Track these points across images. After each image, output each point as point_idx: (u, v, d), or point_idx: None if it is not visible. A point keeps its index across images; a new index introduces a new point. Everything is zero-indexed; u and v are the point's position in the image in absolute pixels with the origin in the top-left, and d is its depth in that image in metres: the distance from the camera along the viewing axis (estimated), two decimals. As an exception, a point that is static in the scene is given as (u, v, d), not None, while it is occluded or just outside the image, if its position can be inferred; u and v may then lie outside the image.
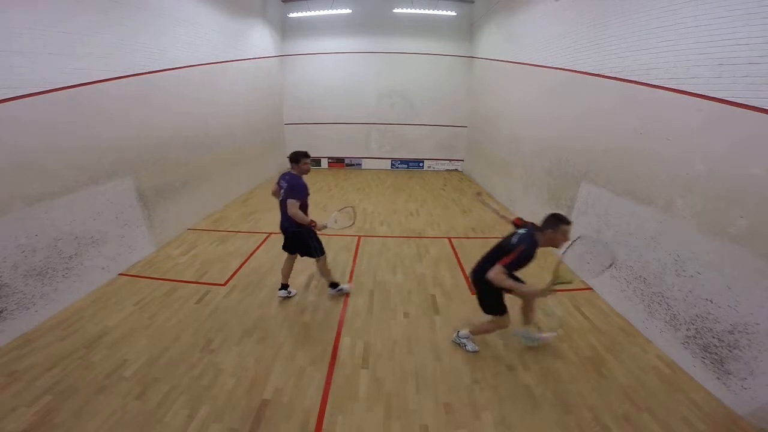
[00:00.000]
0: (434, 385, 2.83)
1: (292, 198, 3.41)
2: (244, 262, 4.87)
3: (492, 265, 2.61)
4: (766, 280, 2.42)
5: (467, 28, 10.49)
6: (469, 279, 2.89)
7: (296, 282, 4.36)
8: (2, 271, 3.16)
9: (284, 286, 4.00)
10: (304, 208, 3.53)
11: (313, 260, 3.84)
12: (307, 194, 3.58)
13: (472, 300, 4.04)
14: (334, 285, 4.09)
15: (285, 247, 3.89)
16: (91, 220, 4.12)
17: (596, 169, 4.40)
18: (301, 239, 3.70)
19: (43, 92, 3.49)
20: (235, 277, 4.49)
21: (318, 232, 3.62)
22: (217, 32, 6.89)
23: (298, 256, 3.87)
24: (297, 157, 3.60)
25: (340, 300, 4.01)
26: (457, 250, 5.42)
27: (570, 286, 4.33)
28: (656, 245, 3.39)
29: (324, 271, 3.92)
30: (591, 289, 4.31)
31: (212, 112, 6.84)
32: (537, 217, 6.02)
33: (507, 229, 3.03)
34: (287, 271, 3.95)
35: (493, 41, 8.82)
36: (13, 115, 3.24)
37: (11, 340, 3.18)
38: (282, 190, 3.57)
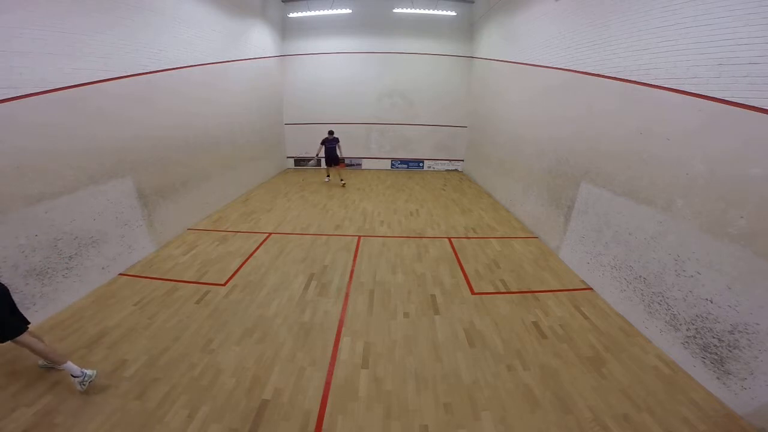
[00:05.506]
0: (434, 385, 2.83)
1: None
2: (244, 262, 4.87)
3: None
4: (766, 280, 2.42)
5: (467, 28, 10.49)
6: None
7: (296, 282, 4.38)
8: (2, 271, 3.16)
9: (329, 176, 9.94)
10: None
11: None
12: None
13: (473, 300, 4.06)
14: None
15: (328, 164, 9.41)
16: (91, 220, 4.12)
17: (596, 169, 4.40)
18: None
19: (43, 92, 3.49)
20: (235, 277, 4.49)
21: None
22: (217, 32, 6.89)
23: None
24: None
25: (340, 300, 4.01)
26: (457, 250, 5.42)
27: (570, 286, 4.38)
28: (656, 245, 3.39)
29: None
30: (591, 289, 4.32)
31: (212, 112, 6.84)
32: (537, 218, 6.06)
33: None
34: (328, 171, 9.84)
35: (493, 41, 8.83)
36: (13, 115, 3.23)
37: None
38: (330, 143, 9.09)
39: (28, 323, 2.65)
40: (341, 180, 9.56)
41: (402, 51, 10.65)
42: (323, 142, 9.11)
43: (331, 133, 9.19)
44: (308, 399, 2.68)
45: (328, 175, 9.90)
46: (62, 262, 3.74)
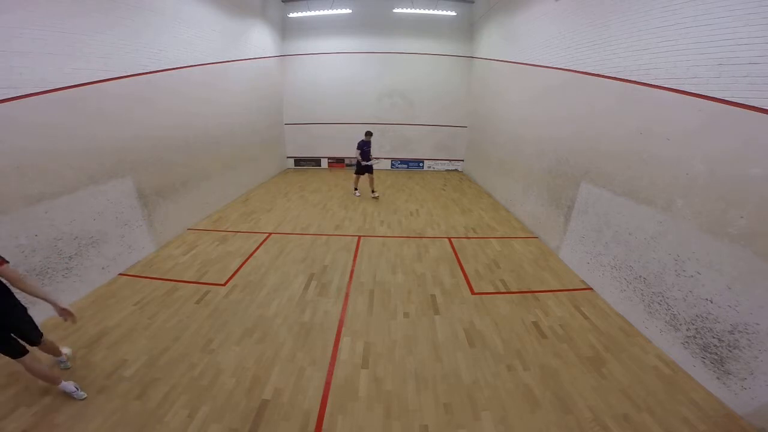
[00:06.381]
0: (434, 385, 2.83)
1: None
2: (244, 262, 4.87)
3: None
4: (766, 280, 2.42)
5: (467, 28, 10.49)
6: None
7: (296, 282, 4.38)
8: (2, 271, 3.15)
9: (356, 189, 8.40)
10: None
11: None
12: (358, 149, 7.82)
13: (472, 300, 4.06)
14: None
15: (362, 172, 8.10)
16: (91, 220, 4.12)
17: (596, 169, 4.40)
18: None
19: (43, 92, 3.49)
20: (235, 277, 4.49)
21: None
22: (217, 32, 6.89)
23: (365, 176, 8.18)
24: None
25: (340, 300, 4.01)
26: (457, 250, 5.42)
27: (570, 286, 4.38)
28: (656, 245, 3.39)
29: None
30: (591, 289, 4.32)
31: (212, 112, 6.84)
32: (537, 218, 6.06)
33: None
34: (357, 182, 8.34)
35: (493, 41, 8.82)
36: (13, 115, 3.23)
37: (11, 340, 3.18)
38: (368, 146, 7.80)
39: (39, 337, 2.55)
40: (362, 190, 8.31)
41: (402, 51, 10.65)
42: (361, 146, 7.75)
43: (369, 134, 7.85)
44: (308, 399, 2.68)
45: (373, 191, 8.22)
46: (62, 262, 3.74)
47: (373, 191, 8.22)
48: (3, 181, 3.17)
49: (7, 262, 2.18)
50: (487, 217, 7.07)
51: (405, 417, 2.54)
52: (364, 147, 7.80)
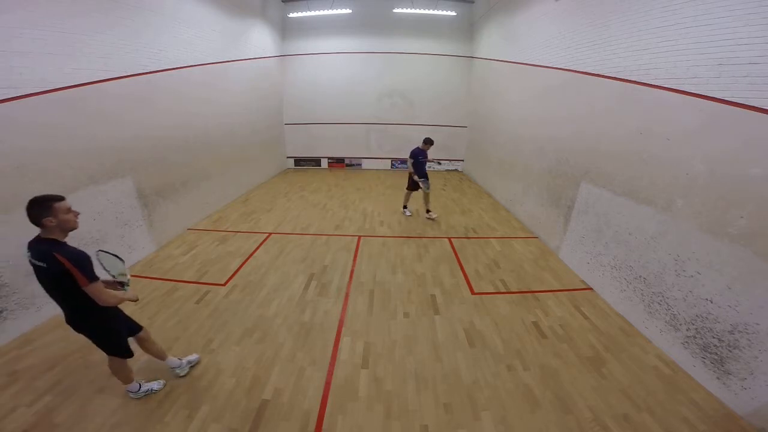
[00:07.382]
0: (434, 385, 2.83)
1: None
2: (244, 262, 4.87)
3: (73, 299, 2.10)
4: (766, 280, 2.42)
5: (467, 28, 10.49)
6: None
7: (296, 282, 4.38)
8: (2, 270, 3.15)
9: (406, 207, 7.16)
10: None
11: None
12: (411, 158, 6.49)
13: (472, 300, 4.06)
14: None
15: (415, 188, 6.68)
16: (91, 220, 4.12)
17: (596, 169, 4.40)
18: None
19: (43, 92, 3.49)
20: (235, 277, 4.49)
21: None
22: (217, 32, 6.89)
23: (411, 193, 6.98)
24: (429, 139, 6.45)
25: (340, 300, 4.01)
26: (457, 250, 5.42)
27: (570, 286, 4.38)
28: (656, 245, 3.39)
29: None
30: (591, 289, 4.32)
31: (212, 112, 6.84)
32: (537, 218, 6.04)
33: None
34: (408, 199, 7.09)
35: (493, 41, 8.82)
36: (13, 115, 3.23)
37: (11, 340, 3.18)
38: (425, 156, 6.42)
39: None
40: (428, 211, 6.83)
41: (402, 51, 10.64)
42: (415, 155, 6.35)
43: (428, 142, 6.30)
44: (308, 399, 2.68)
45: (428, 210, 6.83)
46: (62, 262, 3.73)
47: (428, 210, 6.82)
48: (3, 181, 3.17)
49: (93, 280, 2.04)
50: (487, 217, 7.07)
51: (405, 417, 2.54)
52: (419, 157, 6.36)
